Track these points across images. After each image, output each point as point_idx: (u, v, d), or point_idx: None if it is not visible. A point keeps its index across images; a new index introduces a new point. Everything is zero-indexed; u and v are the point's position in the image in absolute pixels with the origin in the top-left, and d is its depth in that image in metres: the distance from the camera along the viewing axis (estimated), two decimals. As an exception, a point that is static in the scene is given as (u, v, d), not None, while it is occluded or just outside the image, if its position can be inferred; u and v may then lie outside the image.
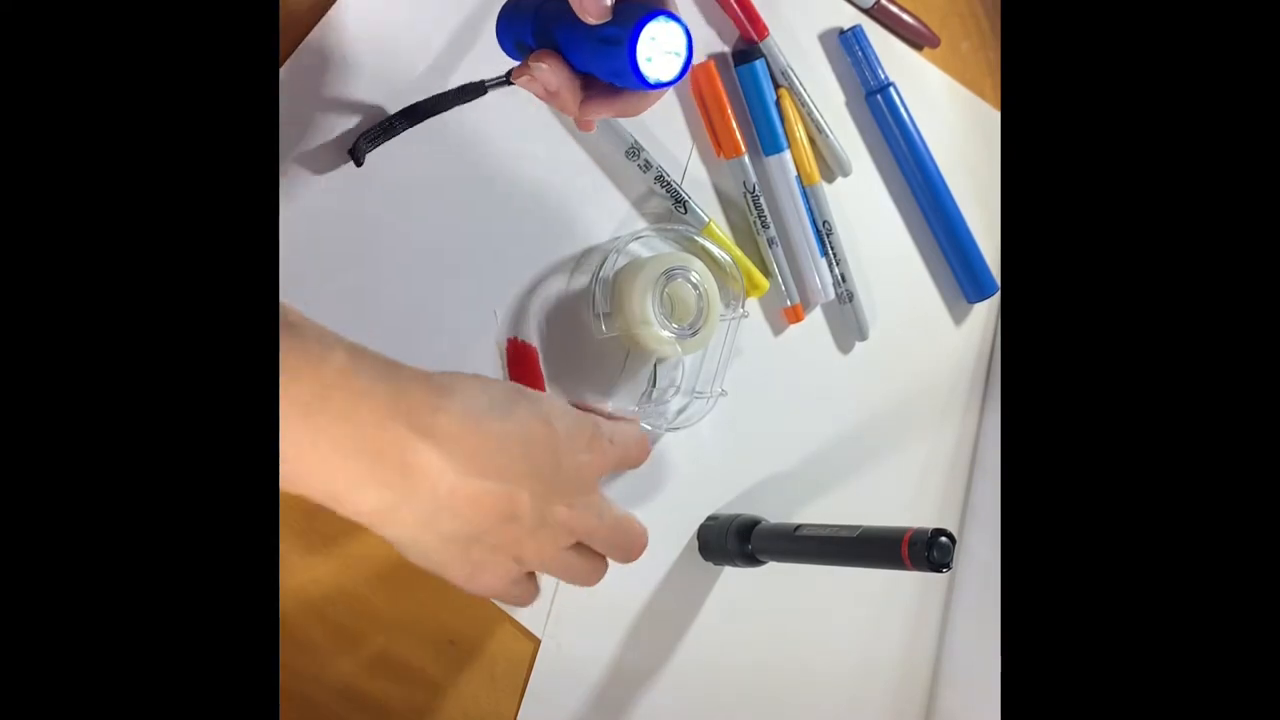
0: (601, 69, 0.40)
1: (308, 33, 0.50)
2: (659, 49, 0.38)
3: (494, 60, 0.46)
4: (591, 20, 0.38)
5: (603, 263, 0.55)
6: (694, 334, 0.54)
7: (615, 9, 0.38)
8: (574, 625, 0.54)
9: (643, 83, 0.39)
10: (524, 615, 0.53)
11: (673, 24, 0.38)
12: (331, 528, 0.49)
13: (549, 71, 0.40)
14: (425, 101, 0.49)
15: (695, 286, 0.54)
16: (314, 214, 0.49)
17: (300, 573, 0.48)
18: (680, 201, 0.58)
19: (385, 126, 0.48)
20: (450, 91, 0.48)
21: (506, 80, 0.44)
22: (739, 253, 0.59)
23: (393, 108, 0.50)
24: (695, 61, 0.59)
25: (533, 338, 0.54)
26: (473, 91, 0.47)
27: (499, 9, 0.44)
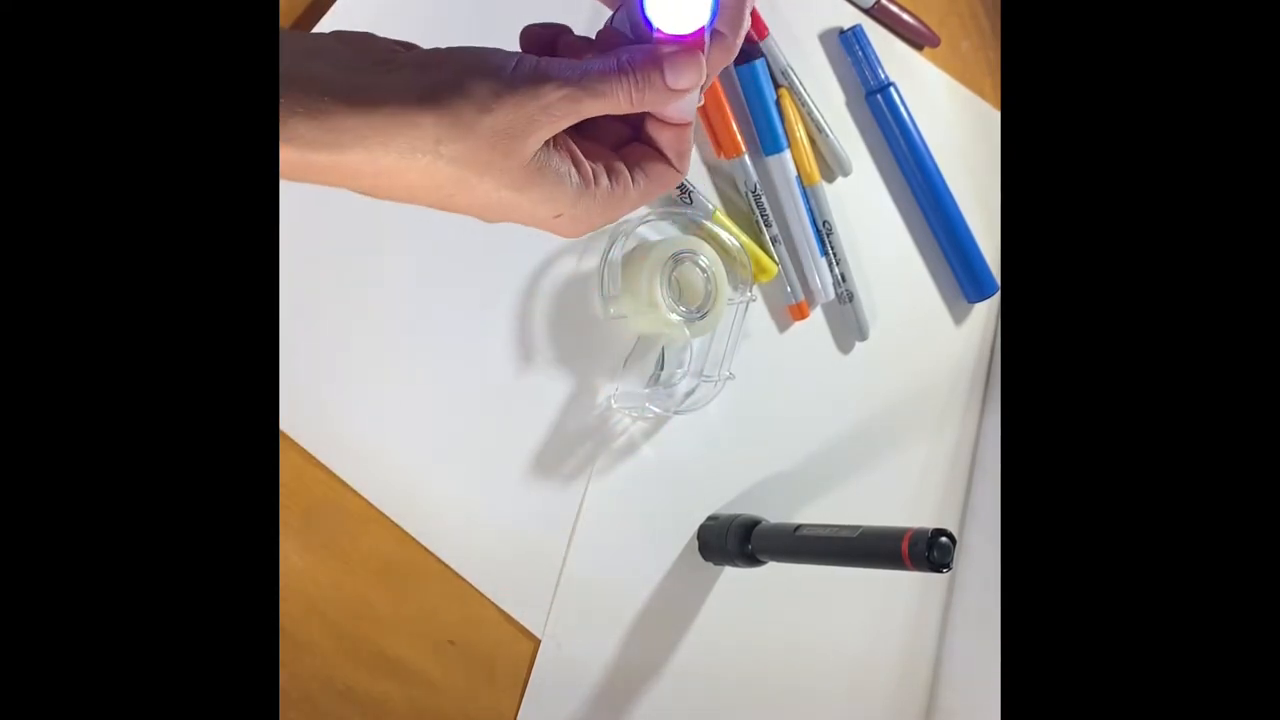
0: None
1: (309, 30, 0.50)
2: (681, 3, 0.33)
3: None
4: None
5: (611, 245, 0.55)
6: (702, 317, 0.54)
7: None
8: (574, 625, 0.54)
9: (662, 35, 0.33)
10: (524, 615, 0.53)
11: None
12: (331, 528, 0.49)
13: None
14: None
15: (703, 270, 0.55)
16: (319, 201, 0.49)
17: (300, 573, 0.48)
18: (685, 192, 0.58)
19: None
20: None
21: None
22: (746, 238, 0.59)
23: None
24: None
25: (542, 319, 0.55)
26: None
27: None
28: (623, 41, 0.34)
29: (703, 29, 0.33)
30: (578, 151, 0.33)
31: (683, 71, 0.32)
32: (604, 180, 0.33)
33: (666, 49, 0.32)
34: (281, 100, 0.28)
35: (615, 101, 0.32)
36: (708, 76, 0.34)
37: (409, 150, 0.29)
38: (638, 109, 0.32)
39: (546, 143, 0.31)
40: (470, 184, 0.31)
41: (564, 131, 0.32)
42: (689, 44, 0.33)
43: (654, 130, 0.35)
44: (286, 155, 0.28)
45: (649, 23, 0.33)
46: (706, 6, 0.33)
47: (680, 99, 0.33)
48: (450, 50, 0.31)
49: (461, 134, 0.29)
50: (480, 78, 0.30)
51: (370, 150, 0.29)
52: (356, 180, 0.30)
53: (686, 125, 0.35)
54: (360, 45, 0.31)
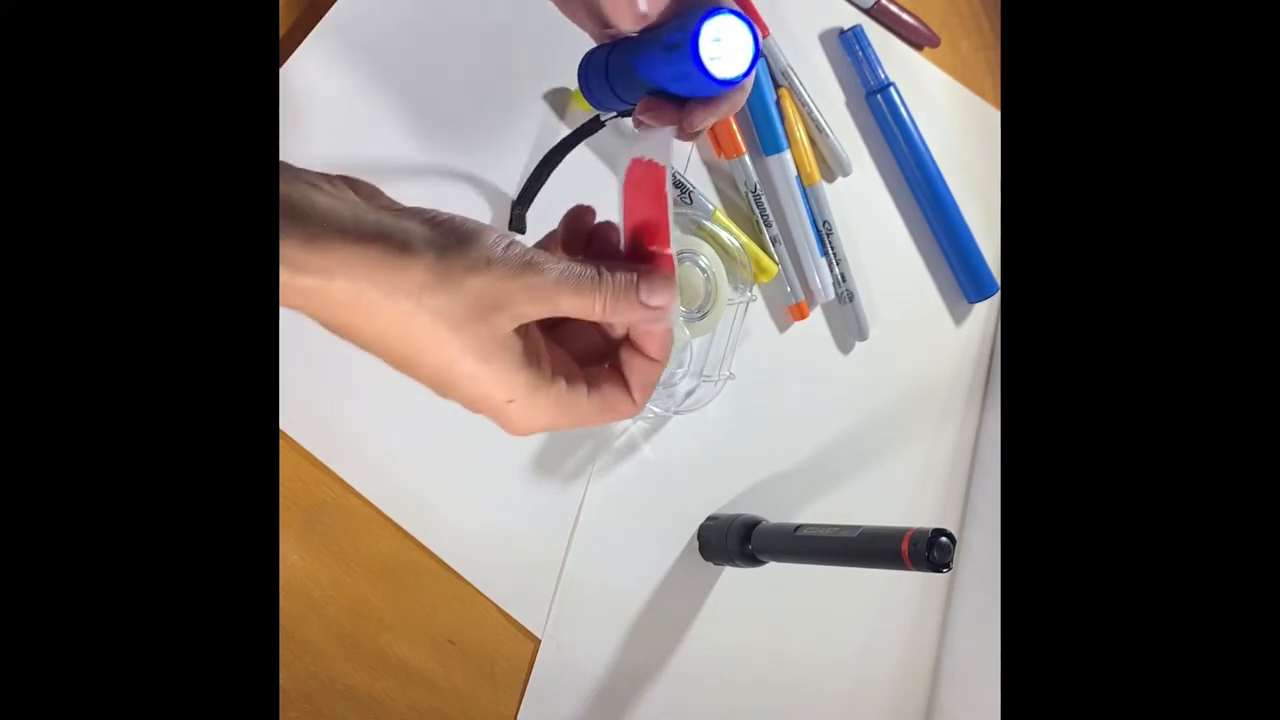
0: (681, 87, 0.39)
1: (308, 32, 0.50)
2: (724, 47, 0.37)
3: (496, 55, 0.46)
4: (628, 26, 0.38)
5: None
6: (702, 317, 0.54)
7: (672, 19, 0.38)
8: (574, 625, 0.54)
9: (714, 82, 0.37)
10: (524, 615, 0.53)
11: (731, 18, 0.37)
12: (331, 528, 0.49)
13: (655, 118, 0.39)
14: (556, 148, 0.52)
15: (703, 270, 0.55)
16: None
17: (300, 573, 0.48)
18: (685, 191, 0.58)
19: (532, 185, 0.52)
20: (576, 132, 0.51)
21: (619, 115, 0.46)
22: (746, 238, 0.59)
23: (394, 102, 0.50)
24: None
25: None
26: (592, 127, 0.49)
27: (581, 65, 0.44)
28: (605, 246, 0.37)
29: (750, 73, 0.37)
30: (545, 349, 0.34)
31: (657, 289, 0.34)
32: (561, 383, 0.34)
33: (643, 268, 0.34)
34: (280, 223, 0.28)
35: (589, 305, 0.33)
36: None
37: (392, 291, 0.30)
38: (610, 318, 0.34)
39: (520, 328, 0.32)
40: (441, 342, 0.31)
41: (540, 331, 0.34)
42: (667, 261, 0.35)
43: (627, 357, 0.36)
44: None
45: (703, 67, 0.36)
46: (748, 52, 0.36)
47: (654, 318, 0.34)
48: (455, 216, 0.32)
49: (446, 288, 0.31)
50: (476, 246, 0.31)
51: (356, 283, 0.30)
52: (335, 312, 0.31)
53: (658, 364, 0.36)
54: (369, 192, 0.33)
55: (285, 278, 0.29)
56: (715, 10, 0.36)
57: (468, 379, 0.33)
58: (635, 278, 0.33)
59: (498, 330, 0.32)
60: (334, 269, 0.29)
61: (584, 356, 0.37)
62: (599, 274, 0.33)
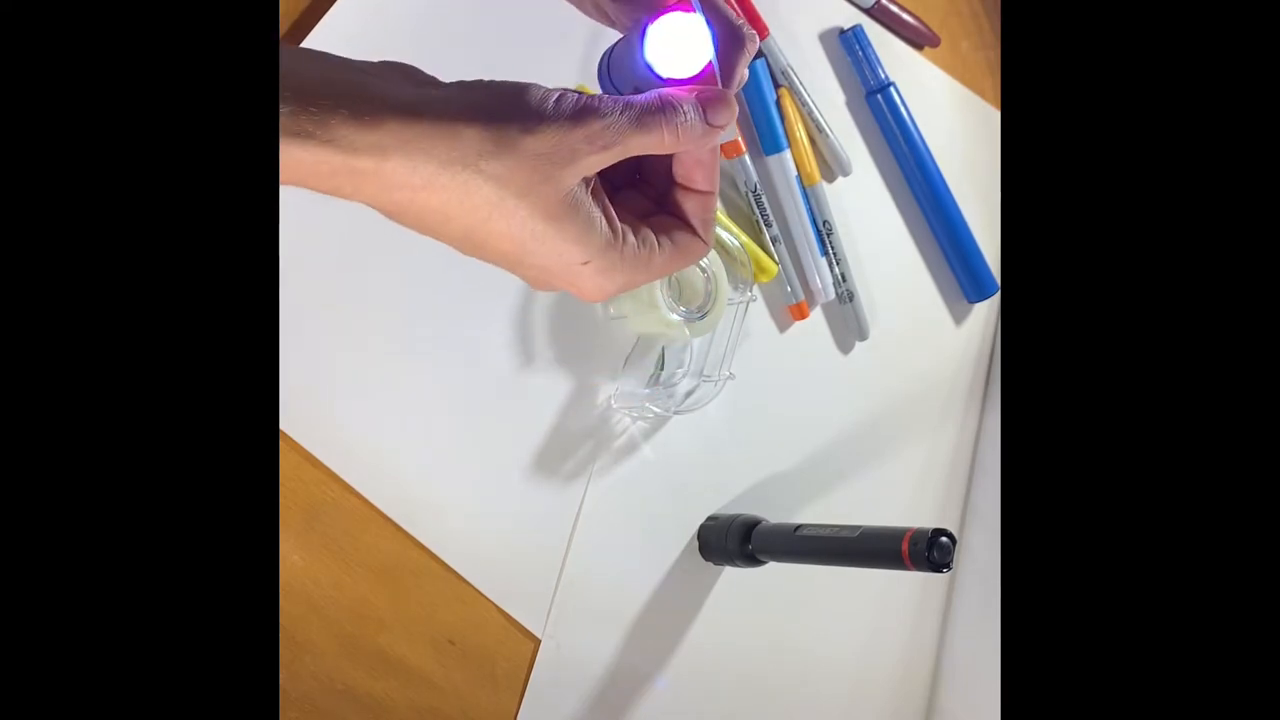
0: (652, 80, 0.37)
1: (308, 33, 0.50)
2: (679, 44, 0.35)
3: (495, 55, 0.46)
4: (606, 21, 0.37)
5: None
6: (702, 317, 0.54)
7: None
8: (574, 625, 0.54)
9: (667, 81, 0.35)
10: (524, 615, 0.53)
11: (681, 16, 0.35)
12: (331, 528, 0.49)
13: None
14: None
15: (703, 270, 0.54)
16: (320, 200, 0.49)
17: (300, 573, 0.48)
18: None
19: None
20: None
21: None
22: (746, 238, 0.59)
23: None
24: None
25: (542, 319, 0.54)
26: None
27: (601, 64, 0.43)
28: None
29: (709, 66, 0.34)
30: (610, 206, 0.33)
31: (719, 108, 0.33)
32: (631, 239, 0.33)
33: (698, 88, 0.33)
34: (325, 101, 0.28)
35: (658, 138, 0.32)
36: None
37: (449, 161, 0.29)
38: (678, 147, 0.33)
39: (583, 182, 0.31)
40: (507, 208, 0.30)
41: (599, 185, 0.33)
42: (699, 84, 0.34)
43: (680, 198, 0.36)
44: (328, 157, 0.28)
45: (652, 70, 0.34)
46: (706, 46, 0.34)
47: (715, 138, 0.33)
48: (493, 80, 0.31)
49: (504, 151, 0.30)
50: (525, 102, 0.30)
51: (411, 158, 0.29)
52: (393, 192, 0.30)
53: (711, 194, 0.36)
54: (405, 69, 0.31)
55: (339, 161, 0.28)
56: (661, 11, 0.35)
57: (540, 241, 0.32)
58: (700, 100, 0.33)
59: (563, 188, 0.31)
60: (387, 145, 0.28)
61: (641, 212, 0.36)
62: (660, 105, 0.32)
